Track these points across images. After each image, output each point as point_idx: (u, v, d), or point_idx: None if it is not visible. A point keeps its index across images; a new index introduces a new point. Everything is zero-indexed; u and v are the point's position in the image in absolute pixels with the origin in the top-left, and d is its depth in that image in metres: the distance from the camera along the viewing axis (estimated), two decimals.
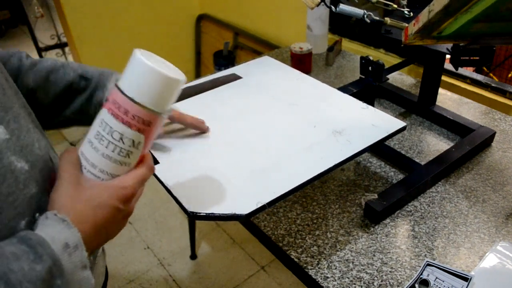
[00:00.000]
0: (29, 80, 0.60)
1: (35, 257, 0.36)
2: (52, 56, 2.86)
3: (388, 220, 0.81)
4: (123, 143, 0.43)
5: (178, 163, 0.74)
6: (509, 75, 1.52)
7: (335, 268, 0.72)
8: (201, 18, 2.44)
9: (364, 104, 0.88)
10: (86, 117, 0.64)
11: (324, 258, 0.74)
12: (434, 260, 0.72)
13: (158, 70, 0.42)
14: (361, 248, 0.75)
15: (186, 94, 0.95)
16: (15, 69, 0.60)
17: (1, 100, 0.42)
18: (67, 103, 0.63)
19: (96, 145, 0.43)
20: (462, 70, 1.27)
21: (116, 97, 0.42)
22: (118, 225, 0.46)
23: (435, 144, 1.00)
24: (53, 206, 0.42)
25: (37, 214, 0.42)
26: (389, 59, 1.41)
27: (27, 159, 0.43)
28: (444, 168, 0.87)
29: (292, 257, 0.74)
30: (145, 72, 0.42)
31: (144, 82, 0.42)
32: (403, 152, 0.97)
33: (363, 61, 1.05)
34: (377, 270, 0.71)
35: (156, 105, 0.43)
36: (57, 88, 0.62)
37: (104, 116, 0.43)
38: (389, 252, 0.75)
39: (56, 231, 0.39)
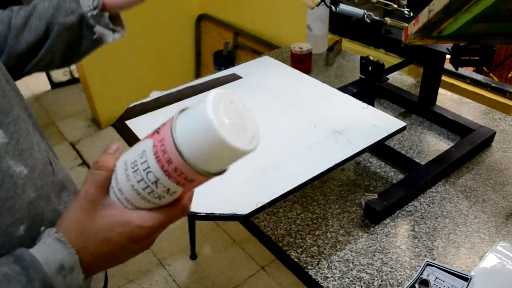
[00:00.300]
0: (21, 14, 0.61)
1: (26, 281, 0.35)
2: None
3: (388, 220, 0.81)
4: (156, 187, 0.37)
5: None
6: (509, 75, 1.52)
7: (335, 268, 0.72)
8: (201, 18, 2.44)
9: (364, 104, 0.88)
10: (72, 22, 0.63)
11: (324, 258, 0.74)
12: (434, 260, 0.72)
13: (222, 138, 0.33)
14: (361, 248, 0.75)
15: (186, 94, 0.95)
16: (6, 15, 0.62)
17: (1, 103, 0.42)
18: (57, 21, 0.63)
19: (129, 174, 0.38)
20: (462, 70, 1.27)
21: (166, 137, 0.36)
22: (126, 258, 0.42)
23: (435, 144, 1.00)
24: (60, 224, 0.40)
25: (43, 228, 0.42)
26: (389, 59, 1.41)
27: (26, 163, 0.42)
28: (444, 168, 0.87)
29: (292, 257, 0.74)
30: (207, 133, 0.34)
31: (201, 142, 0.34)
32: (403, 152, 0.97)
33: (363, 61, 1.05)
34: (377, 270, 0.71)
35: (206, 168, 0.36)
36: (47, 13, 0.62)
37: (147, 149, 0.37)
38: (389, 252, 0.75)
39: (52, 252, 0.38)
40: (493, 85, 1.20)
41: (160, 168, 0.36)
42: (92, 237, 0.39)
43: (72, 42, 0.65)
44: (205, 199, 0.66)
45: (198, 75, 2.60)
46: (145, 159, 0.37)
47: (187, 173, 0.36)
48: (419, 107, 1.09)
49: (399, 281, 0.70)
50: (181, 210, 0.41)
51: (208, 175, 0.37)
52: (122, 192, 0.39)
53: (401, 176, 0.91)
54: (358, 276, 0.71)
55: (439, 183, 0.89)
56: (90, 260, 0.40)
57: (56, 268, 0.37)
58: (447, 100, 1.16)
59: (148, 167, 0.37)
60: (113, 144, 0.41)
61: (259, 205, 0.64)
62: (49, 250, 0.38)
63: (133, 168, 0.38)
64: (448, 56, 0.96)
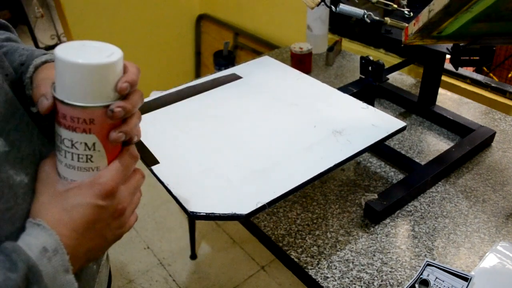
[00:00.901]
0: None
1: (10, 265, 0.35)
2: None
3: (388, 220, 0.81)
4: (76, 148, 0.40)
5: (178, 163, 0.74)
6: (509, 75, 1.52)
7: (335, 268, 0.72)
8: (201, 18, 2.44)
9: (364, 104, 0.88)
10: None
11: (324, 258, 0.74)
12: (434, 260, 0.72)
13: (70, 61, 0.37)
14: (361, 248, 0.75)
15: (187, 94, 0.95)
16: None
17: (4, 109, 0.41)
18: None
19: (58, 157, 0.41)
20: (462, 70, 1.27)
21: (56, 103, 0.39)
22: (108, 225, 0.43)
23: (435, 144, 1.00)
24: (32, 215, 0.40)
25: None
26: (389, 59, 1.41)
27: (26, 172, 0.41)
28: (444, 168, 0.87)
29: (292, 257, 0.74)
30: (60, 67, 0.38)
31: (65, 79, 0.38)
32: (403, 152, 0.97)
33: (363, 61, 1.05)
34: (377, 270, 0.71)
35: (88, 99, 0.38)
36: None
37: (55, 126, 0.41)
38: (389, 252, 0.74)
39: (33, 237, 0.38)
40: (493, 85, 1.20)
41: (66, 129, 0.39)
42: (61, 209, 0.40)
43: None
44: (205, 199, 0.66)
45: (198, 75, 2.60)
46: (57, 134, 0.41)
47: (79, 115, 0.39)
48: (419, 107, 1.09)
49: (399, 281, 0.70)
50: (129, 155, 0.43)
51: (97, 107, 0.39)
52: (65, 178, 0.42)
53: (401, 176, 0.91)
54: (358, 276, 0.71)
55: (439, 183, 0.89)
56: (70, 235, 0.39)
57: (39, 251, 0.37)
58: (447, 100, 1.16)
59: (61, 137, 0.40)
60: None
61: (259, 205, 0.64)
62: (28, 237, 0.38)
63: (57, 150, 0.41)
64: (448, 56, 0.96)
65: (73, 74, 0.38)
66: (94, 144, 0.40)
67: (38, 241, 0.37)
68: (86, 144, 0.40)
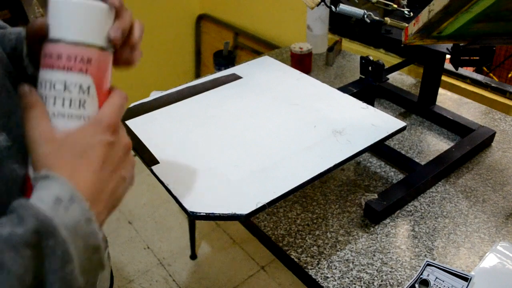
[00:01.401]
0: None
1: (18, 221, 0.32)
2: None
3: (388, 220, 0.81)
4: (69, 92, 0.38)
5: (178, 163, 0.74)
6: (509, 75, 1.52)
7: (335, 268, 0.72)
8: (201, 18, 2.44)
9: (364, 104, 0.88)
10: None
11: (324, 258, 0.74)
12: (434, 260, 0.72)
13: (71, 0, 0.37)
14: (361, 248, 0.75)
15: (187, 94, 0.95)
16: None
17: (6, 105, 0.41)
18: None
19: (49, 106, 0.38)
20: (462, 70, 1.27)
21: (46, 48, 0.38)
22: (123, 160, 0.41)
23: (435, 144, 1.00)
24: (36, 166, 0.37)
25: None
26: (389, 59, 1.41)
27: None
28: (444, 168, 0.87)
29: (292, 257, 0.74)
30: (59, 7, 0.37)
31: (63, 18, 0.37)
32: (403, 152, 0.97)
33: (363, 61, 1.05)
34: (377, 270, 0.71)
35: (86, 36, 0.38)
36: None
37: (41, 75, 0.38)
38: (389, 252, 0.75)
39: (44, 190, 0.34)
40: (493, 85, 1.20)
41: (59, 70, 0.37)
42: (73, 155, 0.37)
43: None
44: (205, 199, 0.66)
45: (198, 75, 2.60)
46: (44, 81, 0.38)
47: (78, 52, 0.37)
48: (419, 107, 1.09)
49: (399, 281, 0.70)
50: (118, 95, 0.42)
51: (95, 46, 0.38)
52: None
53: (401, 176, 0.91)
54: (358, 276, 0.71)
55: (439, 183, 0.89)
56: (91, 179, 0.37)
57: (52, 202, 0.34)
58: (447, 100, 1.16)
59: (51, 82, 0.38)
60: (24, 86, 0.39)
61: (259, 205, 0.64)
62: (39, 191, 0.35)
63: (48, 99, 0.38)
64: (448, 56, 0.96)
65: (74, 10, 0.37)
66: (89, 88, 0.38)
67: (49, 192, 0.34)
68: (81, 86, 0.38)
